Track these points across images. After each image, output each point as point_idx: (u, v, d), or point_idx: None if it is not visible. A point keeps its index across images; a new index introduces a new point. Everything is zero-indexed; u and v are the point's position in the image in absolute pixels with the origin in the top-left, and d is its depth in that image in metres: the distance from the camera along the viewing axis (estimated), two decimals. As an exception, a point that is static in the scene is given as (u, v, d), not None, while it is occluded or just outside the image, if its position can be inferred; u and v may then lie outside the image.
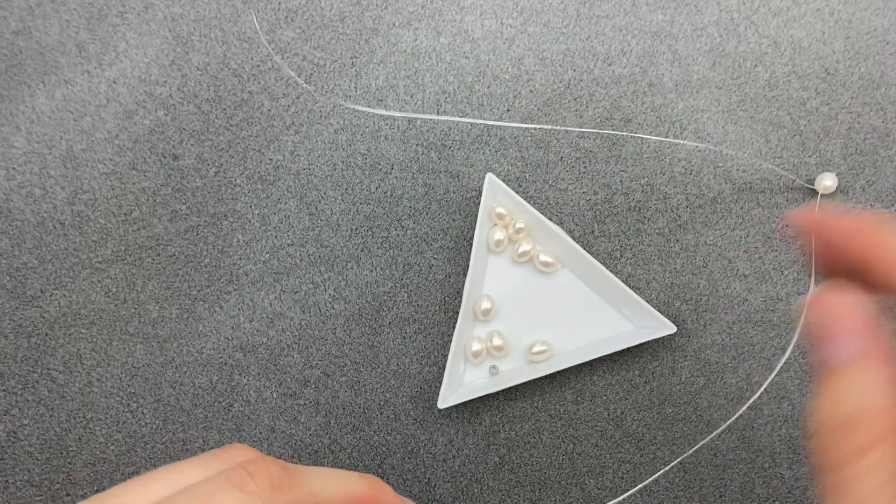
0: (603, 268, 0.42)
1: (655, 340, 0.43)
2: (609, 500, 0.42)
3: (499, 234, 0.43)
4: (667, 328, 0.41)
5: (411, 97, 0.45)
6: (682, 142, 0.45)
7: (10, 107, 0.45)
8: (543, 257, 0.43)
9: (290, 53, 0.45)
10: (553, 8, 0.45)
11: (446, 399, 0.41)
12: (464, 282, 0.44)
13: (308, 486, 0.22)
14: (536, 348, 0.42)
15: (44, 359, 0.44)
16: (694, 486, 0.43)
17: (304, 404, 0.43)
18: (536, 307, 0.43)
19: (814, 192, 0.44)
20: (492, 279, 0.44)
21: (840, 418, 0.19)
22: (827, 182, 0.43)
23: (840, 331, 0.20)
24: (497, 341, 0.42)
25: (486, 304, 0.43)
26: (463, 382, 0.43)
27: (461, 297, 0.44)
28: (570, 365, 0.42)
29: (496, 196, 0.43)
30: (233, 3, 0.45)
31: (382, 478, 0.42)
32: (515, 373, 0.42)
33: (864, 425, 0.19)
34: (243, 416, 0.43)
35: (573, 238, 0.44)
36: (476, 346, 0.42)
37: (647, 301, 0.43)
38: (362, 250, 0.44)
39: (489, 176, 0.42)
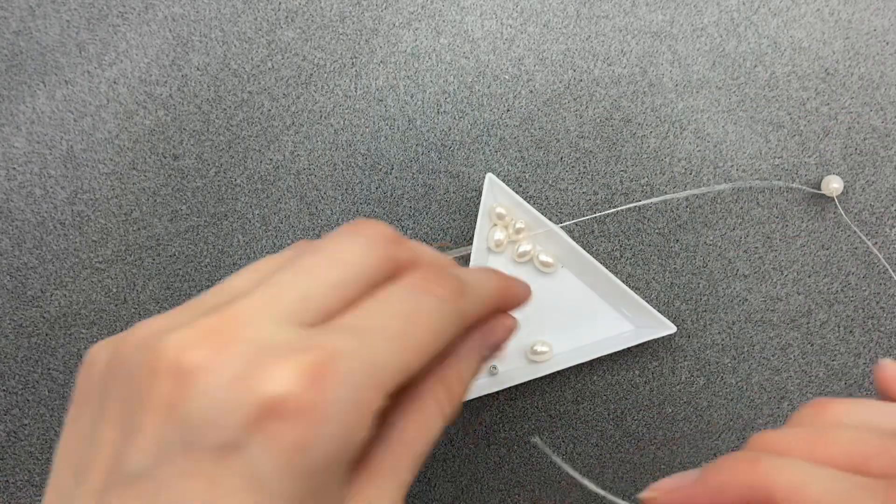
0: (603, 268, 0.42)
1: (655, 340, 0.43)
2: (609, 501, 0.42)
3: (499, 235, 0.43)
4: (667, 328, 0.41)
5: (411, 97, 0.45)
6: (722, 186, 0.45)
7: (11, 107, 0.45)
8: (543, 257, 0.43)
9: (290, 53, 0.45)
10: (553, 8, 0.45)
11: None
12: (464, 282, 0.44)
13: (476, 290, 0.24)
14: (538, 348, 0.42)
15: (44, 359, 0.44)
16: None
17: (305, 404, 0.43)
18: (536, 307, 0.43)
19: (826, 198, 0.44)
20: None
21: None
22: (834, 185, 0.43)
23: None
24: None
25: None
26: None
27: (461, 297, 0.44)
28: (571, 365, 0.42)
29: (496, 196, 0.43)
30: (233, 3, 0.45)
31: (382, 478, 0.42)
32: (515, 373, 0.42)
33: None
34: (243, 415, 0.43)
35: (573, 238, 0.44)
36: None
37: (646, 301, 0.43)
38: (362, 250, 0.44)
39: (489, 176, 0.42)
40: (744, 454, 0.21)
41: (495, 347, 0.27)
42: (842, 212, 0.44)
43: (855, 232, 0.44)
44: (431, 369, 0.23)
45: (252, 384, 0.18)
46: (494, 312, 0.27)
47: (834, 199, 0.44)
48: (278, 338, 0.19)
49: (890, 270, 0.44)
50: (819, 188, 0.44)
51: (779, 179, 0.44)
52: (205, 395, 0.18)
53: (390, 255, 0.22)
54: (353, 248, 0.22)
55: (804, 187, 0.44)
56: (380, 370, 0.19)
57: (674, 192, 0.44)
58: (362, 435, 0.19)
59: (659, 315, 0.41)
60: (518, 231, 0.43)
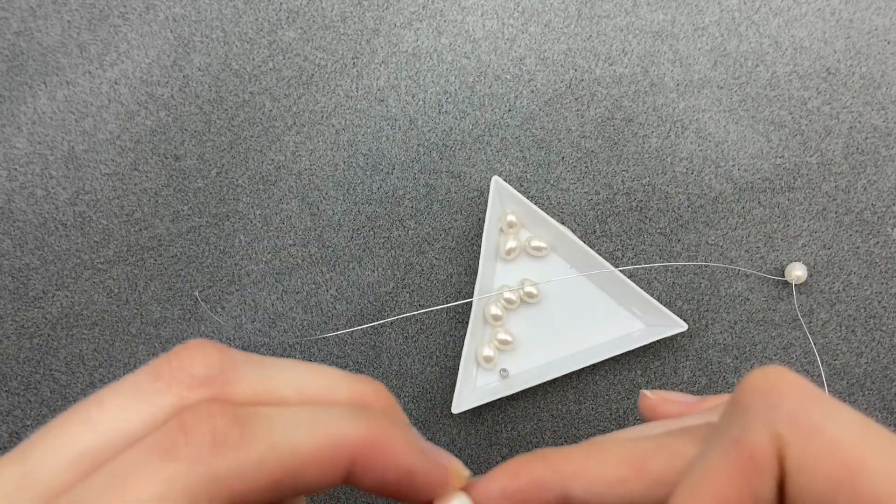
0: (612, 267, 0.42)
1: (657, 340, 0.43)
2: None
3: (511, 243, 0.43)
4: (678, 326, 0.42)
5: (413, 97, 0.45)
6: (684, 264, 0.45)
7: (12, 107, 0.45)
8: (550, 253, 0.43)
9: (291, 54, 0.45)
10: (554, 8, 0.45)
11: (460, 404, 0.41)
12: (465, 282, 0.44)
13: (269, 437, 0.16)
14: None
15: (46, 360, 0.44)
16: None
17: (307, 404, 0.43)
18: (547, 309, 0.43)
19: (785, 284, 0.44)
20: (500, 283, 0.44)
21: None
22: (797, 272, 0.43)
23: None
24: (503, 335, 0.42)
25: (496, 310, 0.43)
26: (476, 387, 0.43)
27: (463, 296, 0.44)
28: (585, 365, 0.42)
29: (503, 201, 0.43)
30: (234, 3, 0.45)
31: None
32: (527, 375, 0.42)
33: None
34: (245, 416, 0.43)
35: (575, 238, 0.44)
36: (487, 352, 0.42)
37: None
38: (364, 250, 0.44)
39: (495, 179, 0.42)
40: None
41: None
42: (795, 305, 0.44)
43: (805, 321, 0.44)
44: None
45: None
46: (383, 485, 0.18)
47: (792, 285, 0.44)
48: None
49: (819, 360, 0.44)
50: (783, 275, 0.44)
51: (747, 266, 0.44)
52: None
53: (175, 406, 0.17)
54: (120, 406, 0.17)
55: (767, 275, 0.44)
56: None
57: (646, 264, 0.44)
58: None
59: (670, 313, 0.42)
60: (538, 249, 0.43)
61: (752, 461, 0.17)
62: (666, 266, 0.44)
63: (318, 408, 0.17)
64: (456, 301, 0.44)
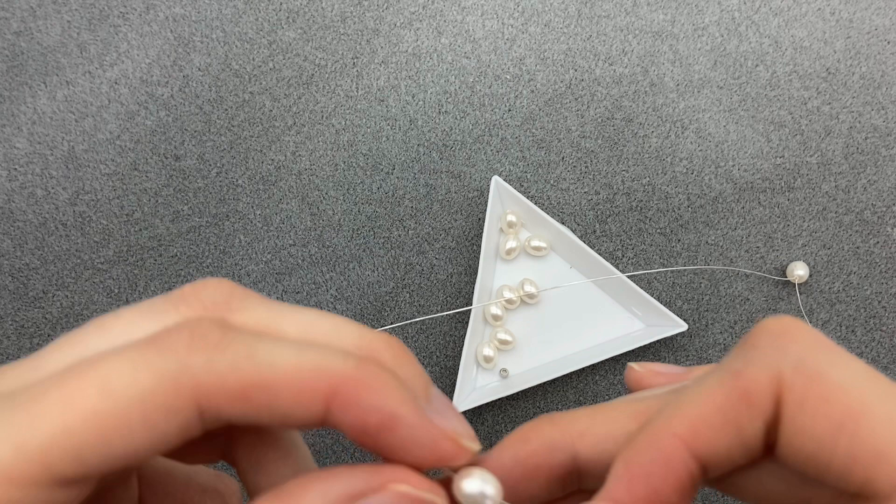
0: (613, 267, 0.42)
1: (657, 339, 0.43)
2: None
3: (511, 243, 0.43)
4: (678, 326, 0.42)
5: (413, 97, 0.45)
6: (686, 268, 0.45)
7: (12, 107, 0.45)
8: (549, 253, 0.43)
9: (291, 54, 0.45)
10: (554, 8, 0.45)
11: (460, 404, 0.41)
12: (465, 282, 0.44)
13: (248, 348, 0.16)
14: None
15: (46, 359, 0.44)
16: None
17: (307, 404, 0.43)
18: (547, 309, 0.43)
19: (786, 283, 0.44)
20: (500, 283, 0.44)
21: None
22: (799, 272, 0.43)
23: None
24: (503, 335, 0.42)
25: (496, 310, 0.43)
26: (476, 386, 0.43)
27: (463, 296, 0.44)
28: (585, 365, 0.42)
29: (503, 201, 0.43)
30: (234, 3, 0.45)
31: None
32: (527, 375, 0.42)
33: None
34: (245, 416, 0.43)
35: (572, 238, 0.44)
36: (487, 352, 0.42)
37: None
38: (364, 250, 0.44)
39: (496, 179, 0.42)
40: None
41: None
42: (800, 303, 0.44)
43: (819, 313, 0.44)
44: None
45: None
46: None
47: (794, 285, 0.44)
48: None
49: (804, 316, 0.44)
50: (784, 275, 0.44)
51: (747, 266, 0.44)
52: None
53: (177, 322, 0.17)
54: (132, 319, 0.17)
55: (768, 275, 0.44)
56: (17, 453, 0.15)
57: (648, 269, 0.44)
58: None
59: (670, 313, 0.42)
60: (538, 249, 0.43)
61: (746, 394, 0.16)
62: (672, 270, 0.44)
63: (310, 343, 0.17)
64: (457, 307, 0.44)
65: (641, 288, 0.43)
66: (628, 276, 0.43)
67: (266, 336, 0.17)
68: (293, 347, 0.16)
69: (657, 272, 0.44)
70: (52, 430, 0.15)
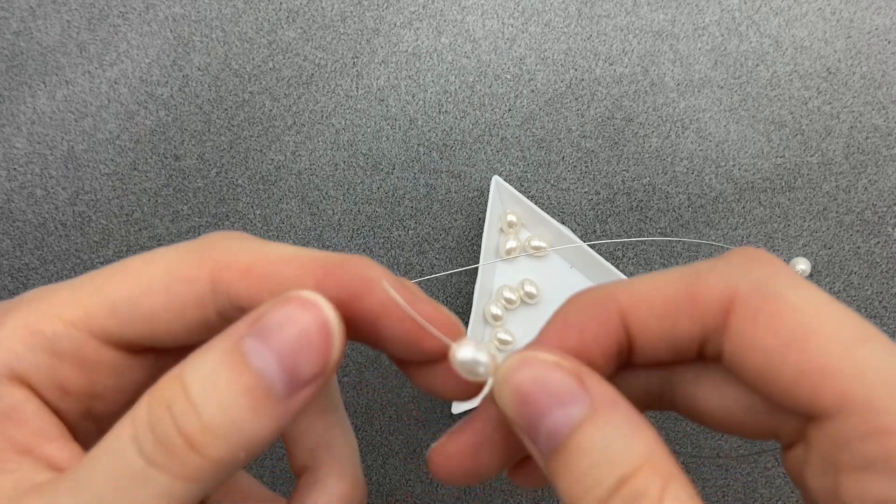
0: (613, 268, 0.42)
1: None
2: None
3: (511, 243, 0.43)
4: None
5: (413, 97, 0.45)
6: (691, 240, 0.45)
7: (12, 107, 0.45)
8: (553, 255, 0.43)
9: (291, 54, 0.45)
10: (554, 7, 0.45)
11: (461, 404, 0.41)
12: (465, 282, 0.44)
13: (256, 245, 0.19)
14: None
15: (45, 360, 0.44)
16: (696, 485, 0.43)
17: (306, 405, 0.43)
18: (547, 309, 0.43)
19: (829, 195, 0.44)
20: (501, 283, 0.43)
21: (608, 488, 0.15)
22: (801, 266, 0.43)
23: (548, 395, 0.16)
24: (503, 335, 0.42)
25: (496, 310, 0.42)
26: None
27: (463, 297, 0.44)
28: None
29: (503, 200, 0.43)
30: (234, 3, 0.45)
31: (385, 479, 0.42)
32: None
33: (641, 478, 0.15)
34: (245, 416, 0.43)
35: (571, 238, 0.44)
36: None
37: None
38: (364, 250, 0.44)
39: (496, 179, 0.42)
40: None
41: (263, 335, 0.16)
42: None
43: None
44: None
45: None
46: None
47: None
48: None
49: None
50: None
51: (754, 243, 0.44)
52: None
53: None
54: None
55: None
56: (40, 299, 0.19)
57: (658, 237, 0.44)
58: None
59: None
60: (537, 249, 0.43)
61: (694, 296, 0.17)
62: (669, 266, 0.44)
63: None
64: (457, 308, 0.44)
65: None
66: (628, 277, 0.43)
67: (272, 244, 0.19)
68: (293, 248, 0.19)
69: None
70: (112, 290, 0.18)
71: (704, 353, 0.18)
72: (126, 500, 0.16)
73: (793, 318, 0.16)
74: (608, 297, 0.18)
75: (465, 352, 0.18)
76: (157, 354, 0.20)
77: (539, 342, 0.19)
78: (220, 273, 0.18)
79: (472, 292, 0.42)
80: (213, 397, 0.16)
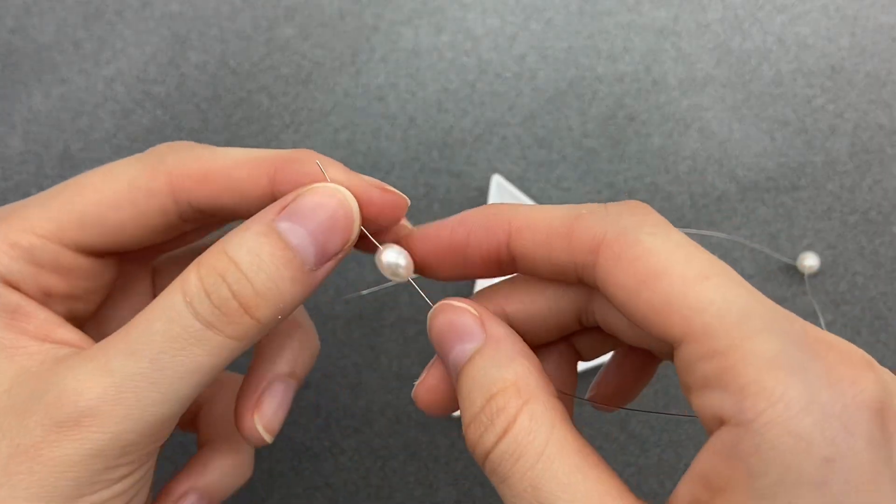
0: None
1: (660, 341, 0.43)
2: None
3: None
4: None
5: (412, 95, 0.44)
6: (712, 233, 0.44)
7: (6, 106, 0.44)
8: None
9: (289, 51, 0.45)
10: (555, 5, 0.45)
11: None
12: (466, 282, 0.43)
13: (208, 149, 0.23)
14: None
15: (41, 361, 0.43)
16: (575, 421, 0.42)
17: (305, 406, 0.43)
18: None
19: (790, 282, 0.43)
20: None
21: (479, 405, 0.19)
22: (809, 262, 0.42)
23: (455, 334, 0.21)
24: None
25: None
26: None
27: (463, 297, 0.43)
28: (587, 365, 0.41)
29: (504, 200, 0.42)
30: (231, 0, 0.45)
31: (384, 481, 0.42)
32: None
33: (503, 397, 0.19)
34: (243, 418, 0.43)
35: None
36: None
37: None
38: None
39: (496, 178, 0.41)
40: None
41: (297, 215, 0.20)
42: (809, 293, 0.43)
43: (821, 308, 0.44)
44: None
45: None
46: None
47: (804, 276, 0.43)
48: None
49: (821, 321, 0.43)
50: (794, 265, 0.43)
51: (758, 242, 0.44)
52: None
53: None
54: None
55: (780, 256, 0.43)
56: (15, 212, 0.21)
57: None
58: None
59: None
60: None
61: (568, 233, 0.20)
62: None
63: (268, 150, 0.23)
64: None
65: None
66: None
67: (226, 150, 0.22)
68: (242, 150, 0.22)
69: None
70: (67, 203, 0.21)
71: (584, 282, 0.21)
72: (183, 357, 0.19)
73: (647, 260, 0.19)
74: (503, 215, 0.21)
75: (389, 255, 0.22)
76: (122, 256, 0.23)
77: (434, 229, 0.22)
78: (180, 182, 0.21)
79: (472, 293, 0.42)
80: (262, 268, 0.19)
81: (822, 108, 0.44)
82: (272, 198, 0.21)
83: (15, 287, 0.21)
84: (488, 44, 0.45)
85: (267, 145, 0.44)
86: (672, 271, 0.18)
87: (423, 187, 0.44)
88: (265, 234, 0.19)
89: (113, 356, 0.19)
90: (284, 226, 0.19)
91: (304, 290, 0.20)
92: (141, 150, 0.45)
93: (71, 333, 0.21)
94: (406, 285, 0.23)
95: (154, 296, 0.23)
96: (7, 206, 0.21)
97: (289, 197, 0.20)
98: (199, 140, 0.44)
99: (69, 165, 0.44)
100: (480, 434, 0.19)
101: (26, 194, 0.43)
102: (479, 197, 0.44)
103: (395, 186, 0.44)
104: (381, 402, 0.43)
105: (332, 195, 0.20)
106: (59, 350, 0.20)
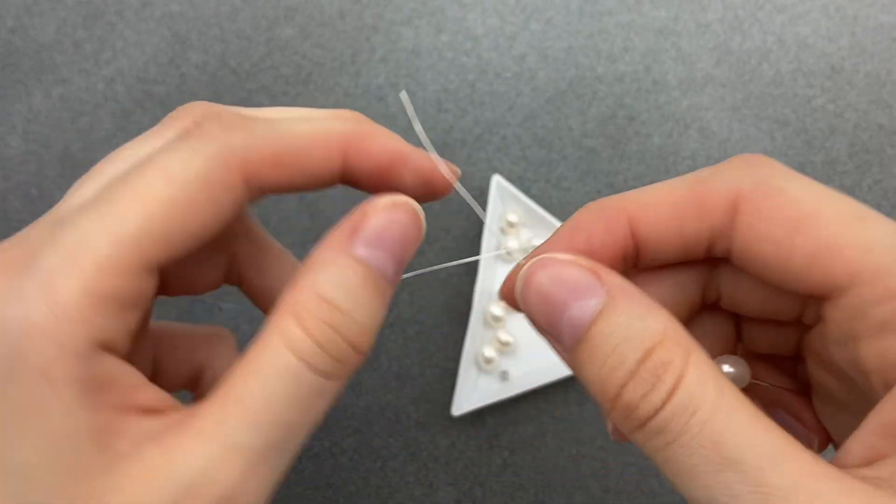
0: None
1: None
2: None
3: (512, 243, 0.42)
4: None
5: (413, 95, 0.44)
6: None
7: (7, 106, 0.44)
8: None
9: (289, 51, 0.45)
10: (555, 5, 0.45)
11: (460, 406, 0.41)
12: (465, 282, 0.43)
13: (271, 124, 0.19)
14: (535, 242, 0.42)
15: (41, 361, 0.43)
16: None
17: (305, 406, 0.43)
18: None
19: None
20: (500, 283, 0.43)
21: (634, 361, 0.17)
22: None
23: (568, 290, 0.18)
24: (503, 336, 0.42)
25: (497, 311, 0.42)
26: (476, 388, 0.42)
27: (463, 297, 0.43)
28: None
29: (504, 200, 0.42)
30: (231, 0, 0.45)
31: (384, 482, 0.42)
32: (528, 377, 0.42)
33: (665, 350, 0.16)
34: (243, 418, 0.43)
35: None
36: (488, 353, 0.42)
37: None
38: (363, 251, 0.44)
39: (496, 178, 0.41)
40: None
41: (380, 241, 0.19)
42: None
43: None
44: (279, 300, 0.18)
45: None
46: (374, 184, 0.21)
47: None
48: None
49: None
50: None
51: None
52: None
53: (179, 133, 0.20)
54: (136, 144, 0.20)
55: None
56: (83, 246, 0.17)
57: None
58: (83, 330, 0.16)
59: None
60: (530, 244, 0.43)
61: (701, 199, 0.19)
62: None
63: (312, 110, 0.21)
64: (457, 307, 0.44)
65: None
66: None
67: (273, 115, 0.20)
68: (301, 118, 0.20)
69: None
70: (137, 219, 0.17)
71: (713, 253, 0.19)
72: (309, 414, 0.18)
73: (795, 207, 0.18)
74: (616, 204, 0.20)
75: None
76: None
77: (547, 247, 0.20)
78: (254, 169, 0.19)
79: (473, 293, 0.42)
80: (359, 302, 0.18)
81: (822, 108, 0.44)
82: (342, 173, 0.21)
83: (106, 344, 0.17)
84: (488, 44, 0.45)
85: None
86: (825, 214, 0.17)
87: (423, 187, 0.44)
88: (351, 266, 0.18)
89: (235, 431, 0.17)
90: (366, 252, 0.19)
91: (389, 301, 0.20)
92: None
93: (152, 393, 0.18)
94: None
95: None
96: (49, 231, 0.18)
97: (357, 217, 0.19)
98: (199, 140, 0.44)
99: (69, 165, 0.44)
100: (644, 393, 0.16)
101: (26, 195, 0.43)
102: (480, 197, 0.44)
103: (395, 186, 0.44)
104: (381, 402, 0.43)
105: (402, 210, 0.20)
106: (151, 422, 0.17)
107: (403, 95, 0.22)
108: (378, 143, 0.20)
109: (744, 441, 0.16)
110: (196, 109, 0.20)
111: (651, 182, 0.45)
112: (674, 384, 0.16)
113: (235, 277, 0.25)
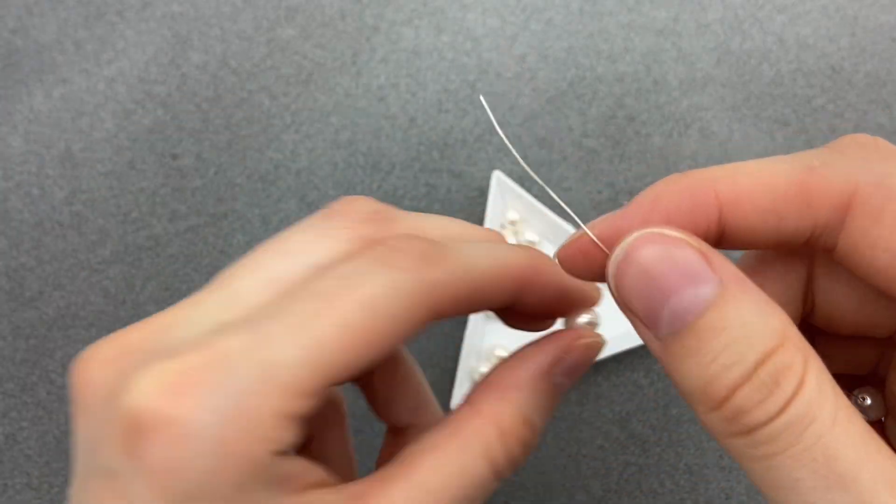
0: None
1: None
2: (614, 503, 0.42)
3: (511, 240, 0.42)
4: None
5: (413, 96, 0.45)
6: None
7: (8, 106, 0.44)
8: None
9: (290, 52, 0.45)
10: (556, 5, 0.45)
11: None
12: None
13: (461, 259, 0.19)
14: (498, 353, 0.42)
15: (42, 361, 0.43)
16: (700, 488, 0.42)
17: (306, 406, 0.43)
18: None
19: None
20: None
21: (753, 362, 0.15)
22: None
23: (679, 273, 0.16)
24: (501, 353, 0.42)
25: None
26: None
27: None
28: (614, 353, 0.41)
29: (505, 196, 0.42)
30: (232, 1, 0.45)
31: (385, 480, 0.42)
32: None
33: (787, 352, 0.15)
34: (244, 418, 0.43)
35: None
36: (483, 369, 0.42)
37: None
38: (364, 250, 0.44)
39: (497, 174, 0.41)
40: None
41: (573, 372, 0.21)
42: None
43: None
44: (481, 404, 0.19)
45: (118, 399, 0.16)
46: (544, 310, 0.21)
47: None
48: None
49: None
50: None
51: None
52: (86, 413, 0.17)
53: (363, 236, 0.19)
54: (304, 240, 0.20)
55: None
56: (280, 369, 0.16)
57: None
58: (269, 447, 0.16)
59: None
60: (530, 243, 0.43)
61: (807, 192, 0.17)
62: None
63: (491, 244, 0.21)
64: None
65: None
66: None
67: (460, 246, 0.19)
68: (483, 251, 0.20)
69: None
70: (335, 350, 0.17)
71: (810, 247, 0.18)
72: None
73: None
74: (707, 184, 0.17)
75: (583, 319, 0.22)
76: None
77: (620, 218, 0.18)
78: (440, 305, 0.19)
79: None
80: (546, 419, 0.20)
81: (822, 108, 0.44)
82: (512, 302, 0.21)
83: (283, 454, 0.18)
84: (488, 44, 0.45)
85: (268, 145, 0.44)
86: None
87: (423, 187, 0.44)
88: (550, 391, 0.20)
89: None
90: (562, 381, 0.20)
91: None
92: (141, 151, 0.45)
93: (317, 473, 0.19)
94: None
95: None
96: (238, 340, 0.17)
97: (562, 350, 0.20)
98: (199, 140, 0.44)
99: (70, 165, 0.44)
100: (761, 399, 0.15)
101: (27, 194, 0.44)
102: (480, 197, 0.44)
103: (396, 187, 0.44)
104: (382, 402, 0.43)
105: (595, 350, 0.21)
106: (322, 498, 0.18)
107: (482, 100, 0.22)
108: (548, 278, 0.21)
109: (861, 458, 0.14)
110: (362, 207, 0.20)
111: (652, 182, 0.45)
112: (793, 392, 0.15)
113: (360, 383, 0.26)
